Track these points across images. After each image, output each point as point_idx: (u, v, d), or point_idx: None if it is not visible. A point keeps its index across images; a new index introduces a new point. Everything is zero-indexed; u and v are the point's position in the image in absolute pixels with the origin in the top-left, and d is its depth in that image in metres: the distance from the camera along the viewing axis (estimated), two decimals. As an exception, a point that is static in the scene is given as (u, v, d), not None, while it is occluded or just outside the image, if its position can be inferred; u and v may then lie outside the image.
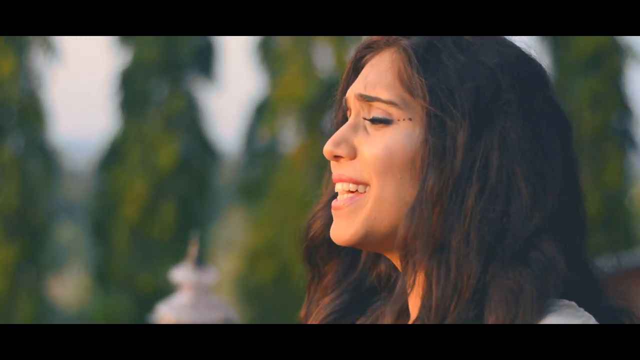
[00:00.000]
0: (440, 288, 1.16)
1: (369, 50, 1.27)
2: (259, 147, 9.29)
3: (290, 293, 8.57)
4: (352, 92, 1.24)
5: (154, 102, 9.42)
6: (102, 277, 9.30)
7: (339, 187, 1.23)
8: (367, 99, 1.22)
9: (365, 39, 1.28)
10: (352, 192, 1.22)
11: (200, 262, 2.65)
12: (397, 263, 1.24)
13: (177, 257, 8.19)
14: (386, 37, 1.25)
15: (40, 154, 9.92)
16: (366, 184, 1.21)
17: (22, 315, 9.88)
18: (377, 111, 1.22)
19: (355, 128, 1.23)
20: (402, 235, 1.19)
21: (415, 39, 1.23)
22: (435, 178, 1.18)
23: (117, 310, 9.17)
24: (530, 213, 1.17)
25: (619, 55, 10.51)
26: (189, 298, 2.64)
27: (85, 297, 11.36)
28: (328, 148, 1.21)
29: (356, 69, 1.28)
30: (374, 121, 1.21)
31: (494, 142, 1.18)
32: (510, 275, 1.14)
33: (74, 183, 12.43)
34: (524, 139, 1.18)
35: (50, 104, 9.81)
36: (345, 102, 1.27)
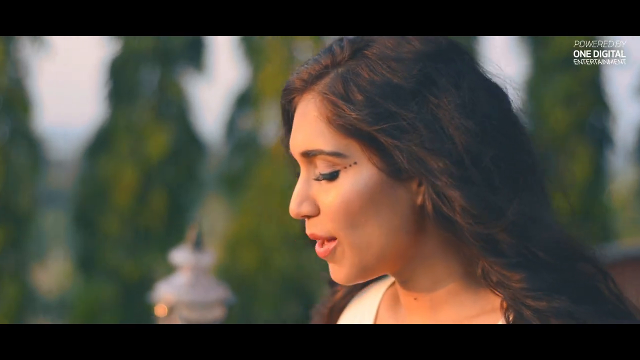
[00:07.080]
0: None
1: (292, 96, 1.26)
2: (241, 139, 9.39)
3: (272, 281, 8.68)
4: (294, 150, 1.24)
5: (143, 92, 9.50)
6: (86, 264, 9.38)
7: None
8: (311, 155, 1.22)
9: (286, 84, 1.26)
10: (329, 242, 1.22)
11: (199, 245, 2.76)
12: (397, 278, 1.27)
13: (165, 245, 8.27)
14: (302, 79, 1.24)
15: (25, 143, 10.01)
16: (337, 236, 1.22)
17: (5, 300, 9.99)
18: (323, 164, 1.21)
19: (308, 181, 1.23)
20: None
21: (329, 79, 1.22)
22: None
23: (99, 298, 9.23)
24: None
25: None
26: (187, 278, 2.75)
27: (67, 284, 11.38)
28: (293, 210, 1.22)
29: (288, 113, 1.28)
30: (323, 177, 1.21)
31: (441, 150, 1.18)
32: None
33: (59, 171, 12.49)
34: (469, 129, 1.18)
35: (37, 92, 9.85)
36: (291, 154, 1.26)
